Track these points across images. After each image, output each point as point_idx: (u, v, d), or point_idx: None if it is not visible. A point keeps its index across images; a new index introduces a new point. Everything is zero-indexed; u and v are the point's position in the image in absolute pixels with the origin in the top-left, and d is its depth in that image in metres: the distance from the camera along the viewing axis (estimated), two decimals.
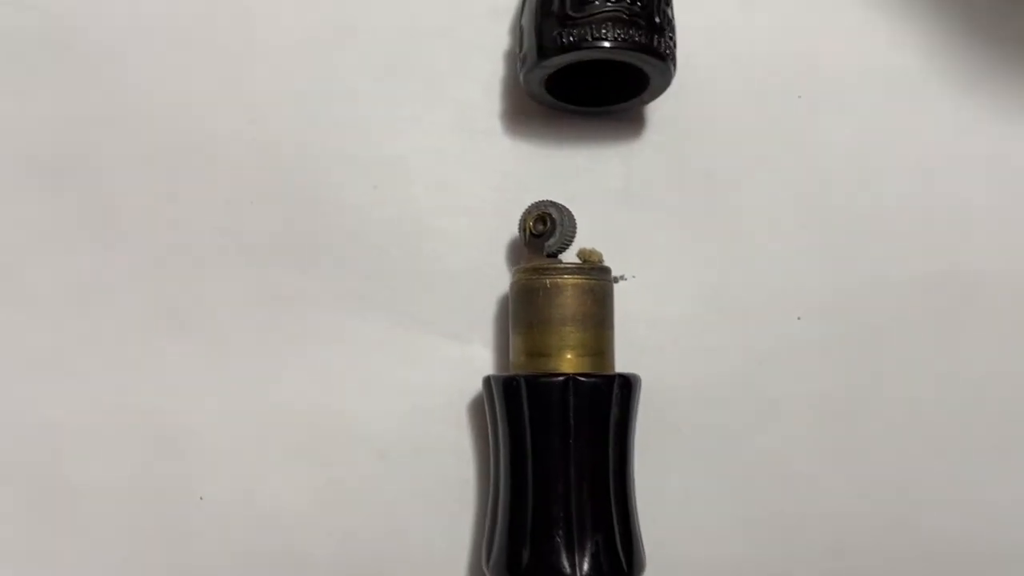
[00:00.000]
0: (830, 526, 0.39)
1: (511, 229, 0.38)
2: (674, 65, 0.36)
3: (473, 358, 0.38)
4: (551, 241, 0.36)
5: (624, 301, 0.38)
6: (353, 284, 0.38)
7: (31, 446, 0.37)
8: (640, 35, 0.34)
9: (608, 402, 0.34)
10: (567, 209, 0.36)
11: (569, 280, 0.34)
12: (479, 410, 0.38)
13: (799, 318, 0.39)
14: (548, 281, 0.34)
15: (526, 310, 0.35)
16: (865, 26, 0.41)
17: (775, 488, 0.39)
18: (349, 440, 0.38)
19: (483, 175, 0.39)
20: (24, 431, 0.37)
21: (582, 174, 0.40)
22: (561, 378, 0.33)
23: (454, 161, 0.39)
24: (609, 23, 0.34)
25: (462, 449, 0.38)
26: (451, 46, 0.40)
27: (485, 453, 0.37)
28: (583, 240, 0.36)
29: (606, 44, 0.34)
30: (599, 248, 0.36)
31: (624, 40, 0.34)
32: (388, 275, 0.39)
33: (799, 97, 0.40)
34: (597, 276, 0.35)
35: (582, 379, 0.33)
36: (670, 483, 0.38)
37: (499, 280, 0.39)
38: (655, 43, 0.35)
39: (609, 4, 0.34)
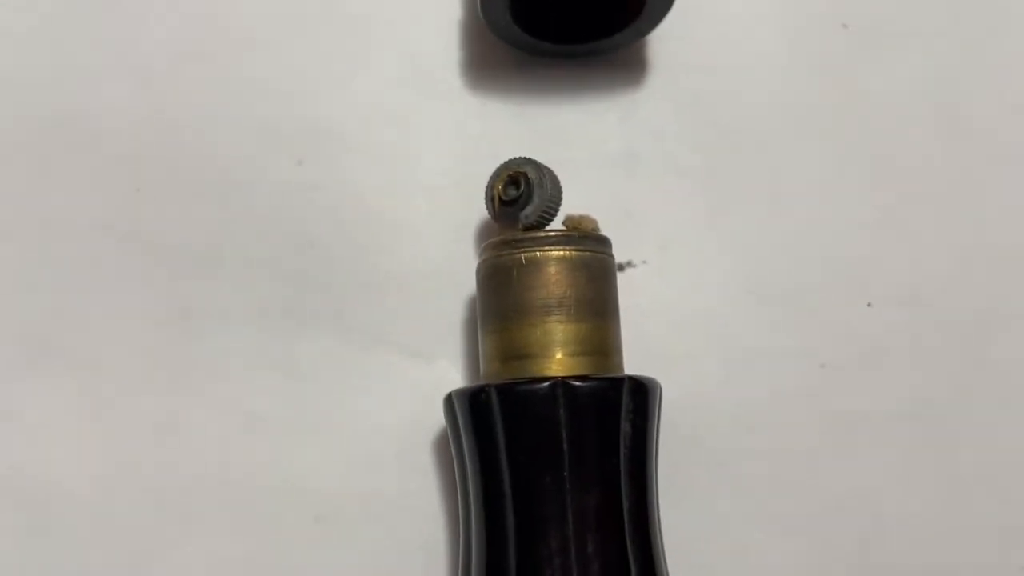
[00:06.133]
0: None
1: (481, 211, 0.29)
2: None
3: (438, 381, 0.29)
4: (528, 209, 0.26)
5: (634, 294, 0.29)
6: (276, 291, 0.29)
7: None
8: None
9: (616, 415, 0.24)
10: (547, 168, 0.27)
11: (553, 253, 0.25)
12: (448, 449, 0.28)
13: (869, 305, 0.30)
14: (524, 255, 0.25)
15: (498, 297, 0.25)
16: None
17: (855, 536, 0.29)
18: (275, 499, 0.28)
19: (442, 143, 0.30)
20: None
21: (570, 135, 0.31)
22: (547, 384, 0.24)
23: (403, 126, 0.30)
24: None
25: (427, 504, 0.28)
26: None
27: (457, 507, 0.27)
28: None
29: None
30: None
31: None
32: (323, 278, 0.29)
33: (844, 27, 0.31)
34: (592, 247, 0.26)
35: (577, 383, 0.24)
36: (712, 535, 0.28)
37: (468, 278, 0.29)
38: None
39: None
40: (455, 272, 0.29)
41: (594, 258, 0.25)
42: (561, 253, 0.25)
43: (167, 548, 0.28)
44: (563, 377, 0.24)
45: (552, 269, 0.25)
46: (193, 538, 0.28)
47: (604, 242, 0.26)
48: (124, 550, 0.28)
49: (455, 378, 0.29)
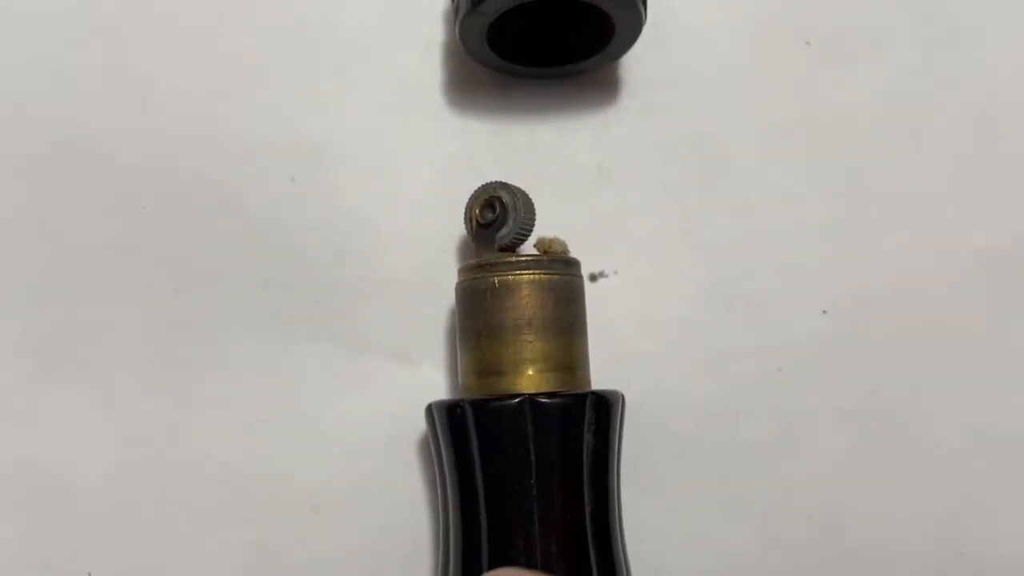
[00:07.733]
0: (877, 570, 0.31)
1: (461, 223, 0.31)
2: (644, 6, 0.29)
3: (422, 383, 0.31)
4: (503, 231, 0.28)
5: (607, 303, 0.31)
6: (272, 301, 0.31)
7: None
8: None
9: (579, 428, 0.26)
10: (521, 191, 0.29)
11: (525, 276, 0.27)
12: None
13: (825, 312, 0.32)
14: (496, 279, 0.27)
15: (473, 318, 0.28)
16: None
17: (806, 525, 0.31)
18: (274, 492, 0.31)
19: (425, 159, 0.32)
20: None
21: (545, 152, 0.32)
22: (516, 400, 0.26)
23: (389, 144, 0.32)
24: None
25: (413, 497, 0.31)
26: (378, 4, 0.33)
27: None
28: (550, 230, 0.29)
29: None
30: (568, 239, 0.29)
31: None
32: (314, 287, 0.32)
33: (807, 44, 0.33)
34: (560, 270, 0.28)
35: (543, 400, 0.26)
36: (672, 523, 0.31)
37: (449, 287, 0.31)
38: None
39: None
40: (438, 280, 0.31)
41: (562, 280, 0.28)
42: (532, 276, 0.27)
43: (175, 539, 0.30)
44: (531, 394, 0.26)
45: (523, 292, 0.27)
46: (199, 530, 0.30)
47: (573, 264, 0.28)
48: (134, 542, 0.30)
49: (438, 380, 0.31)
